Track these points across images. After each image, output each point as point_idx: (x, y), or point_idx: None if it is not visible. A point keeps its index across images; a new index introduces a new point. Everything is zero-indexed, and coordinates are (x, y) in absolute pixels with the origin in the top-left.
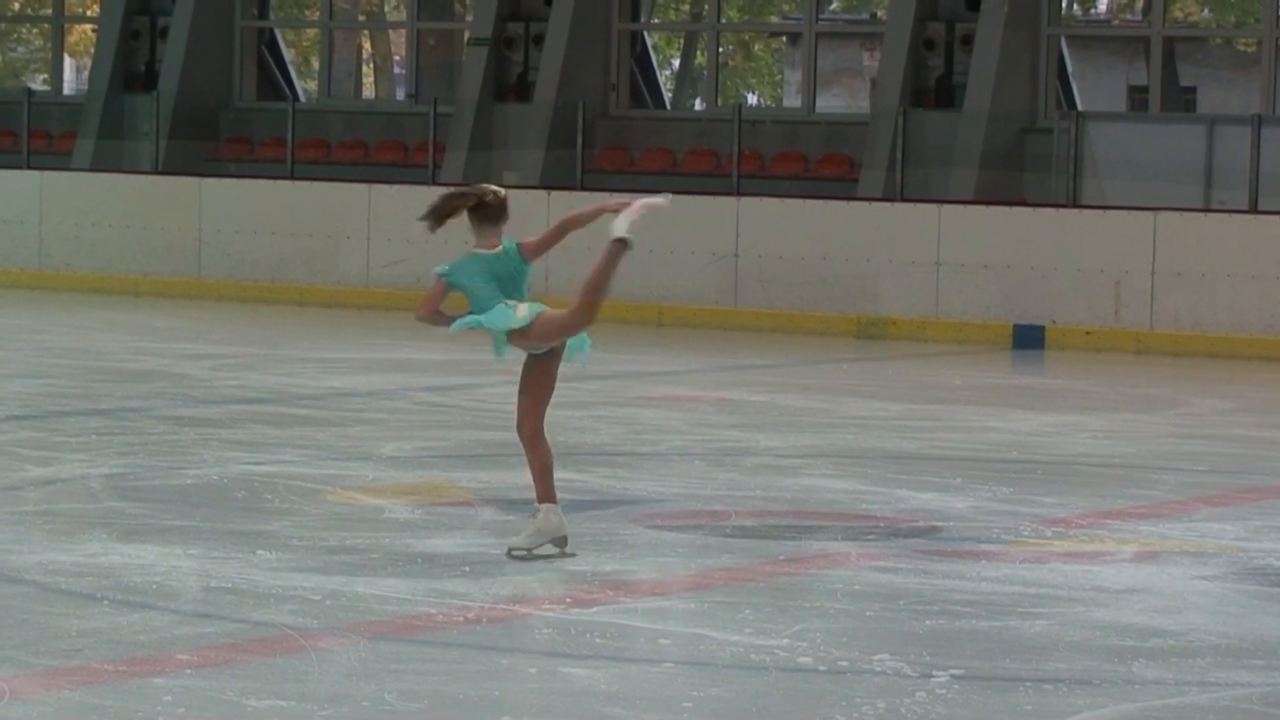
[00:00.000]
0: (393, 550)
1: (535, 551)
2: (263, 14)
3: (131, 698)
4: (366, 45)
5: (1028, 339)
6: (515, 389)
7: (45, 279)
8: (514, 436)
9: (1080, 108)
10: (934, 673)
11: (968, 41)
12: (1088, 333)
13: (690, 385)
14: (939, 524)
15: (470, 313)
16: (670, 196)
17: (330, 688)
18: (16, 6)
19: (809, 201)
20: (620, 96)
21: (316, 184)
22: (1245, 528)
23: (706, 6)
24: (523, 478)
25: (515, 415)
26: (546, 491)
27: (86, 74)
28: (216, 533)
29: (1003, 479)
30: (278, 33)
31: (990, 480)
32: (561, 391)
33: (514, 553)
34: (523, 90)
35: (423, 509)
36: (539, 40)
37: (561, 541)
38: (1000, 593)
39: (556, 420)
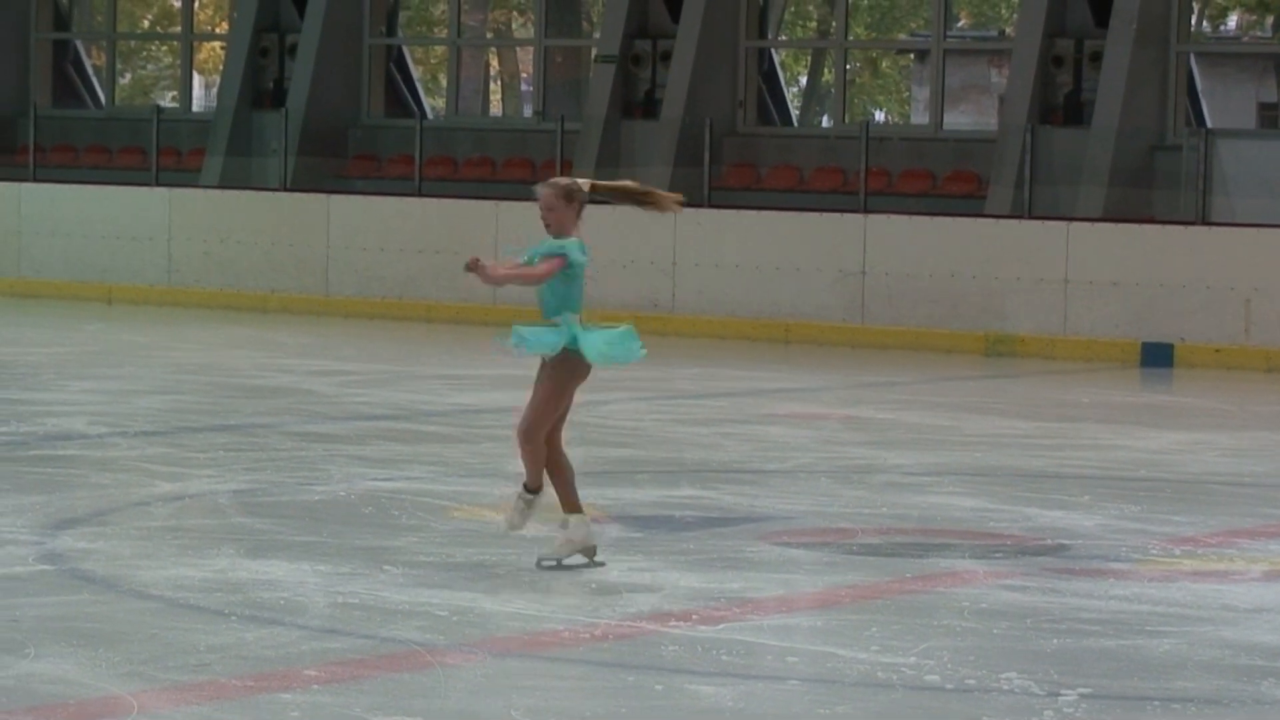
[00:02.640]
0: (519, 567)
1: (565, 562)
2: (391, 32)
3: (259, 713)
4: (494, 62)
5: (1156, 357)
6: (642, 404)
7: (174, 295)
8: (641, 453)
9: (1209, 125)
10: (1062, 691)
11: (1096, 58)
12: (1217, 350)
13: (817, 403)
14: (1067, 542)
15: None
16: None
17: (457, 704)
18: (146, 24)
19: (936, 219)
20: (747, 114)
21: (444, 201)
22: None
23: (834, 24)
24: (649, 494)
25: (525, 413)
26: (573, 502)
27: (215, 91)
28: (344, 549)
29: (1131, 497)
30: (405, 50)
31: (1118, 498)
32: (689, 408)
33: (543, 563)
34: (650, 107)
35: (550, 526)
36: (666, 57)
37: (590, 552)
38: (1128, 611)
39: (683, 436)
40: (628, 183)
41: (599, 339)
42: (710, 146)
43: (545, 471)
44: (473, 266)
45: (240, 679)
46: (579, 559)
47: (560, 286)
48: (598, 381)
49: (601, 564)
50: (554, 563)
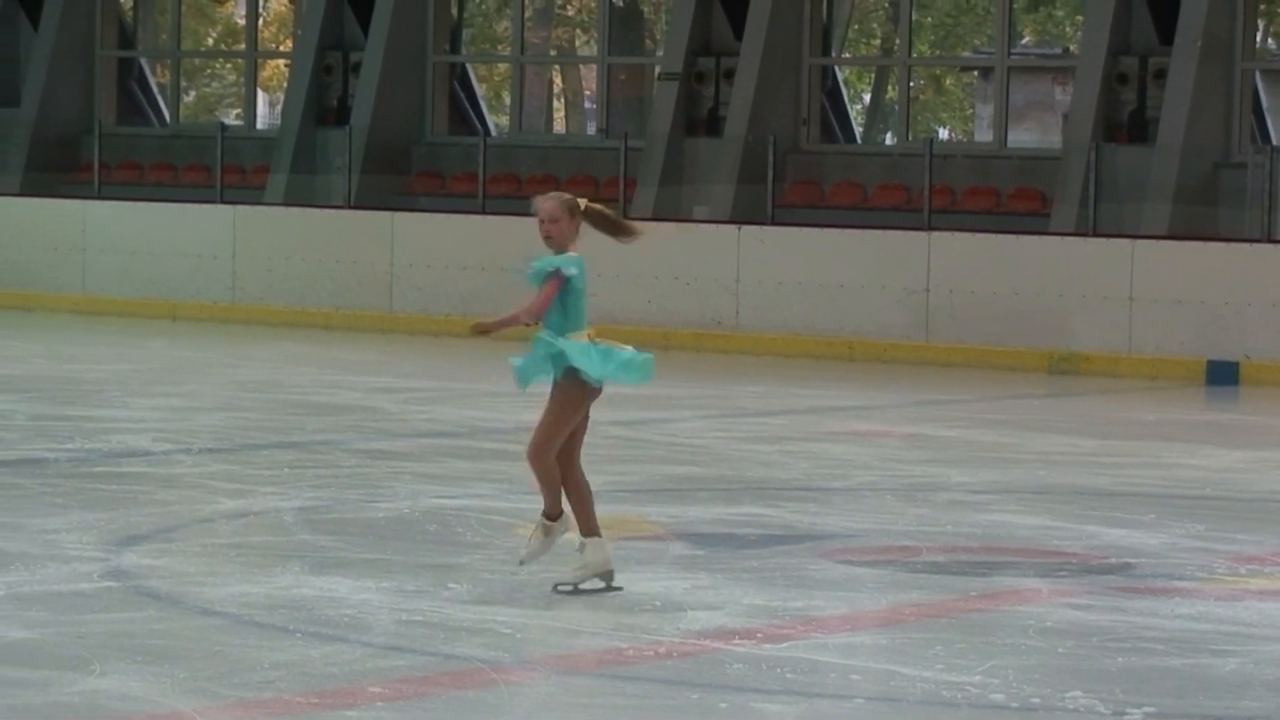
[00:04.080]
0: (583, 585)
1: (581, 586)
2: (454, 49)
3: None
4: (557, 80)
5: (1221, 375)
6: (705, 422)
7: (238, 312)
8: (704, 471)
9: (1275, 142)
10: (1127, 710)
11: (1160, 75)
12: None
13: (880, 420)
14: (1131, 560)
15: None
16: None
17: None
18: (210, 42)
19: (1000, 236)
20: (811, 131)
21: (507, 218)
22: None
23: (897, 41)
24: (712, 511)
25: (533, 434)
26: (590, 525)
27: (279, 108)
28: (408, 566)
29: (1196, 515)
30: (469, 68)
31: (1183, 517)
32: (752, 426)
33: (559, 588)
34: (713, 125)
35: (613, 543)
36: (729, 75)
37: (608, 576)
38: (1194, 630)
39: (746, 454)
40: (607, 210)
41: (599, 356)
42: (773, 164)
43: (564, 494)
44: (478, 331)
45: (304, 696)
46: (596, 583)
47: (560, 304)
48: (661, 400)
49: (619, 589)
50: (570, 588)
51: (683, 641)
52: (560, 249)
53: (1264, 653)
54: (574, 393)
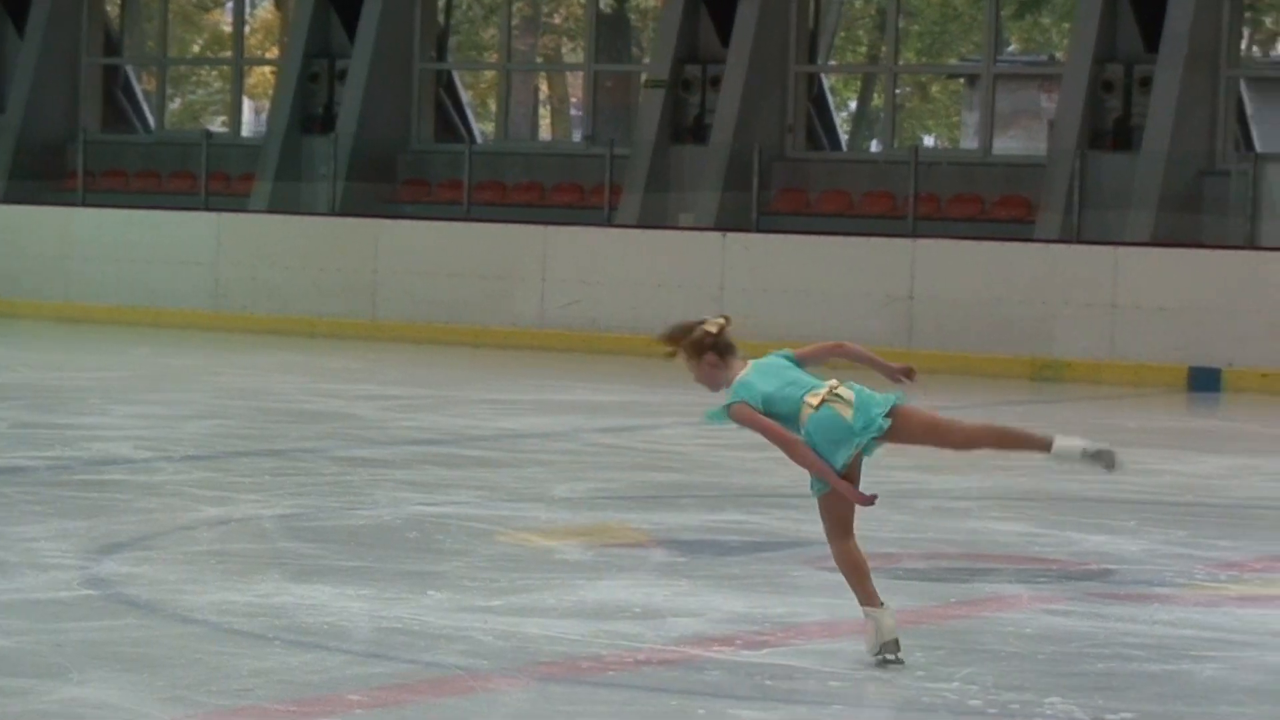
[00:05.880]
0: (564, 591)
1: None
2: (441, 57)
3: None
4: (544, 87)
5: (1204, 382)
6: (688, 429)
7: (222, 320)
8: (687, 478)
9: (1259, 149)
10: (1106, 716)
11: (1146, 83)
12: (1264, 375)
13: None
14: (1112, 567)
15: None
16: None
17: None
18: (196, 49)
19: (985, 243)
20: (797, 138)
21: (493, 226)
22: None
23: (884, 48)
24: (694, 518)
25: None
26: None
27: (265, 116)
28: (388, 573)
29: (1177, 522)
30: (455, 75)
31: (1164, 523)
32: (735, 433)
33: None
34: (699, 132)
35: (595, 550)
36: (716, 82)
37: (892, 646)
38: (1173, 636)
39: (728, 461)
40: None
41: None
42: (759, 171)
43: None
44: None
45: (284, 704)
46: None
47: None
48: (644, 407)
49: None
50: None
51: (662, 648)
52: (719, 385)
53: (1243, 659)
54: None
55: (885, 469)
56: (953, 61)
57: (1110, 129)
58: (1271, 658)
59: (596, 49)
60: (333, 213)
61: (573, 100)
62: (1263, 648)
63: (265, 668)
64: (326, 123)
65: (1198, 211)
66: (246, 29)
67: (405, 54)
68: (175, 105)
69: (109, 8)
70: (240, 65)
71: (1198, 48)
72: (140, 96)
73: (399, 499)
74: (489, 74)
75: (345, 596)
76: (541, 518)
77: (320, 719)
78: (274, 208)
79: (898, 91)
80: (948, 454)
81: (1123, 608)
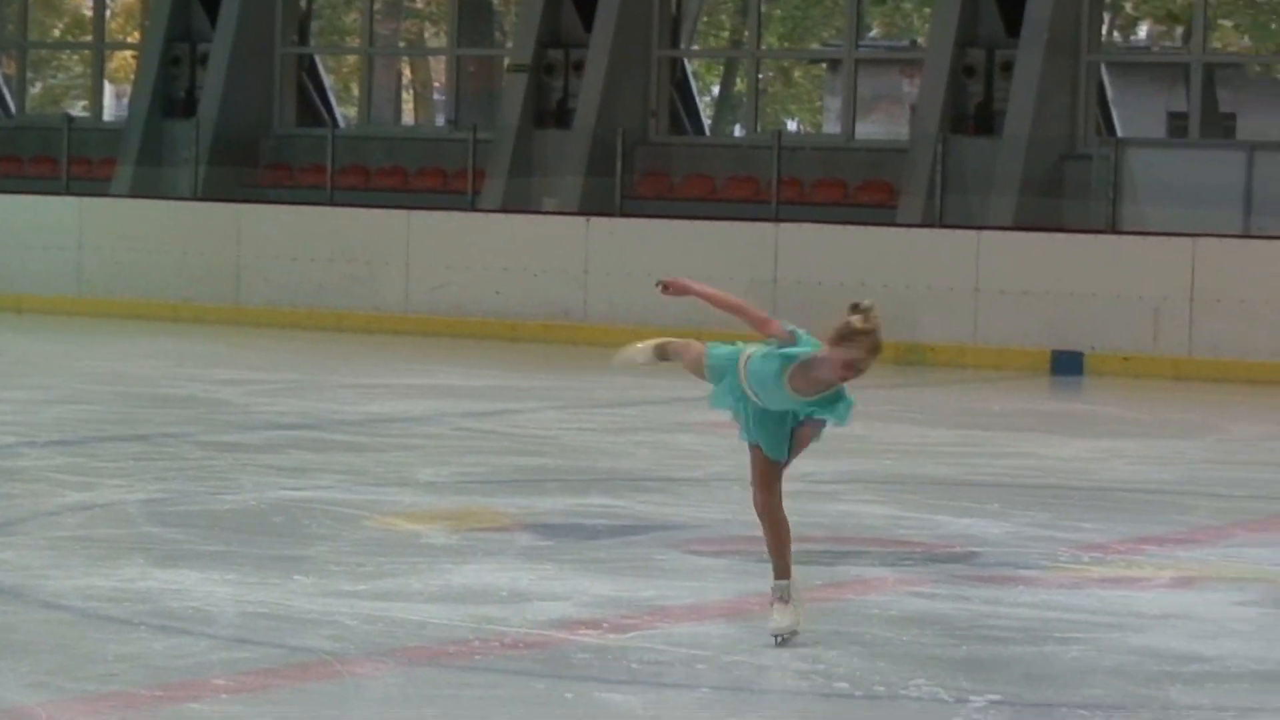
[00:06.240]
0: (430, 576)
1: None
2: (303, 40)
3: None
4: (407, 72)
5: (1066, 365)
6: (554, 413)
7: (84, 305)
8: (553, 462)
9: (1120, 134)
10: (970, 698)
11: (1008, 68)
12: (1126, 359)
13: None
14: (976, 549)
15: None
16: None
17: (367, 714)
18: (57, 33)
19: (848, 228)
20: (660, 123)
21: (356, 210)
22: None
23: (746, 33)
24: (561, 502)
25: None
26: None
27: (127, 100)
28: (254, 558)
29: (1040, 504)
30: (318, 59)
31: (1028, 506)
32: (601, 417)
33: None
34: (562, 117)
35: (460, 534)
36: (579, 67)
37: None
38: (1037, 618)
39: (594, 445)
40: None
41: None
42: (622, 156)
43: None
44: None
45: (149, 689)
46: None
47: None
48: (509, 391)
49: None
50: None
51: (529, 632)
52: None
53: (1106, 640)
54: None
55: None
56: (815, 46)
57: (972, 114)
58: (1135, 639)
59: (459, 33)
60: (195, 197)
61: (436, 85)
62: (1126, 629)
63: (130, 653)
64: (188, 107)
65: (1059, 196)
66: (107, 13)
67: (267, 38)
68: (36, 89)
69: None
70: (101, 49)
71: (1059, 33)
72: (0, 80)
73: (264, 484)
74: (351, 58)
75: (210, 581)
76: (407, 502)
77: (185, 704)
78: (136, 192)
79: (760, 76)
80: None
81: (987, 590)
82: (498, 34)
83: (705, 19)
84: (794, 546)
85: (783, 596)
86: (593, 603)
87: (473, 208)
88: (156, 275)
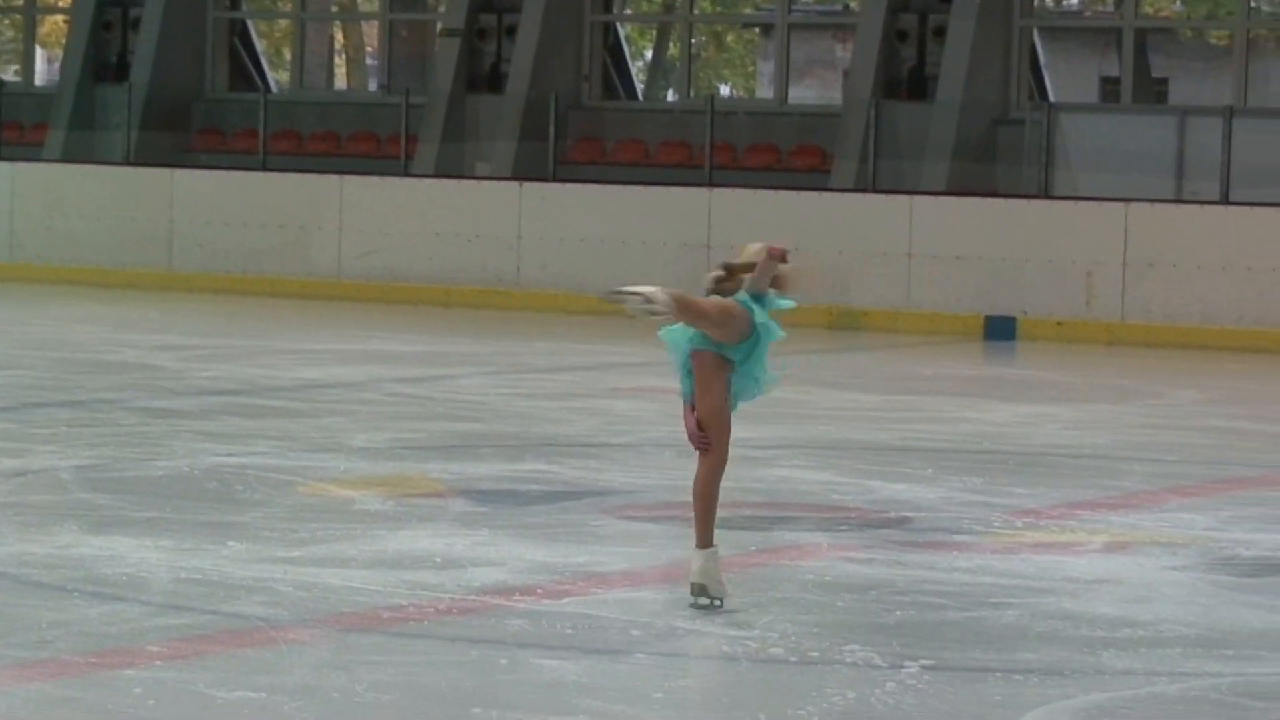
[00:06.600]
0: (364, 542)
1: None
2: (235, 5)
3: (102, 690)
4: (339, 36)
5: (1000, 330)
6: (487, 379)
7: (16, 270)
8: (487, 428)
9: (1052, 99)
10: (905, 663)
11: (940, 33)
12: (1059, 324)
13: (663, 376)
14: (911, 515)
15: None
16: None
17: (301, 679)
18: None
19: (781, 193)
20: (593, 88)
21: (289, 175)
22: (1216, 518)
23: None
24: (495, 468)
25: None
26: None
27: (58, 65)
28: (188, 524)
29: (974, 470)
30: (250, 24)
31: (962, 471)
32: (535, 382)
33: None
34: (495, 82)
35: (394, 500)
36: (511, 31)
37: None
38: (971, 583)
39: (529, 411)
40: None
41: None
42: (555, 121)
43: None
44: None
45: (83, 656)
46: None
47: None
48: (443, 357)
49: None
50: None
51: (464, 598)
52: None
53: (1040, 605)
54: None
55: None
56: (748, 11)
57: (905, 78)
58: (1068, 604)
59: None
60: (127, 162)
61: (368, 49)
62: (1059, 594)
63: (64, 619)
64: (120, 71)
65: (992, 161)
66: None
67: (199, 2)
68: None
69: None
70: (33, 14)
71: None
72: None
73: (197, 450)
74: (284, 23)
75: (144, 548)
76: (341, 468)
77: (120, 670)
78: (68, 157)
79: (693, 41)
80: (746, 404)
81: (921, 555)
82: None
83: None
84: (728, 513)
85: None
86: (527, 569)
87: (406, 173)
88: (89, 240)
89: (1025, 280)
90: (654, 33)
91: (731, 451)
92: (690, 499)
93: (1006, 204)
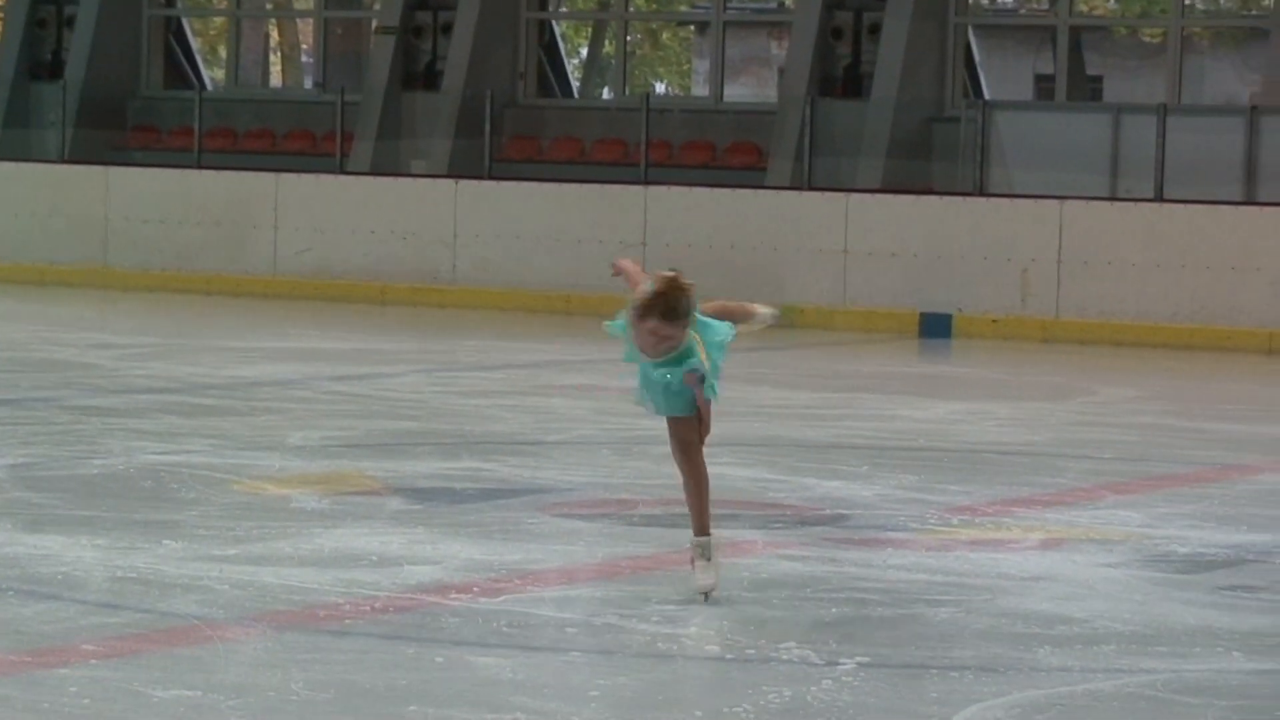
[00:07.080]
0: (300, 540)
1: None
2: (170, 3)
3: (36, 689)
4: (274, 34)
5: (935, 327)
6: (422, 376)
7: None
8: (422, 425)
9: (987, 97)
10: (840, 660)
11: (875, 31)
12: (994, 321)
13: (598, 374)
14: (846, 512)
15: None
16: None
17: (237, 678)
18: None
19: (717, 190)
20: (528, 85)
21: (224, 173)
22: (1150, 515)
23: None
24: (430, 466)
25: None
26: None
27: None
28: (122, 523)
29: (909, 467)
30: (185, 21)
31: (897, 468)
32: (470, 380)
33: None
34: (431, 79)
35: (330, 498)
36: (447, 29)
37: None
38: (906, 581)
39: (464, 408)
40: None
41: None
42: (491, 118)
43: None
44: None
45: (18, 655)
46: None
47: None
48: (378, 354)
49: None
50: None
51: (399, 596)
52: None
53: (975, 602)
54: None
55: (619, 416)
56: (683, 9)
57: (840, 76)
58: (1003, 601)
59: None
60: (62, 160)
61: (303, 47)
62: (995, 591)
63: None
64: (55, 69)
65: (927, 158)
66: None
67: (134, 0)
68: None
69: None
70: None
71: None
72: None
73: (132, 448)
74: (218, 20)
75: (79, 546)
76: (276, 466)
77: (54, 669)
78: (3, 155)
79: (629, 39)
80: None
81: (856, 552)
82: None
83: None
84: (662, 510)
85: (704, 554)
86: (463, 566)
87: (341, 170)
88: (23, 238)
89: (960, 277)
90: (589, 30)
91: (663, 449)
92: (684, 497)
93: (942, 201)
